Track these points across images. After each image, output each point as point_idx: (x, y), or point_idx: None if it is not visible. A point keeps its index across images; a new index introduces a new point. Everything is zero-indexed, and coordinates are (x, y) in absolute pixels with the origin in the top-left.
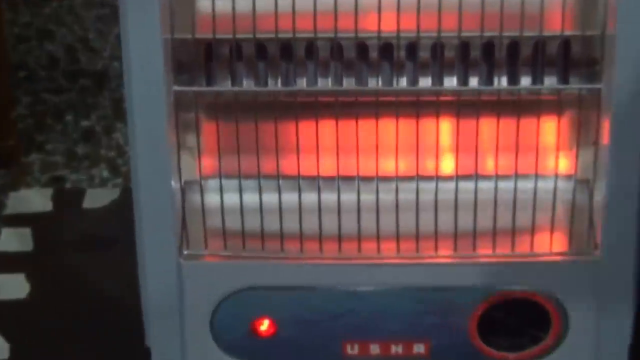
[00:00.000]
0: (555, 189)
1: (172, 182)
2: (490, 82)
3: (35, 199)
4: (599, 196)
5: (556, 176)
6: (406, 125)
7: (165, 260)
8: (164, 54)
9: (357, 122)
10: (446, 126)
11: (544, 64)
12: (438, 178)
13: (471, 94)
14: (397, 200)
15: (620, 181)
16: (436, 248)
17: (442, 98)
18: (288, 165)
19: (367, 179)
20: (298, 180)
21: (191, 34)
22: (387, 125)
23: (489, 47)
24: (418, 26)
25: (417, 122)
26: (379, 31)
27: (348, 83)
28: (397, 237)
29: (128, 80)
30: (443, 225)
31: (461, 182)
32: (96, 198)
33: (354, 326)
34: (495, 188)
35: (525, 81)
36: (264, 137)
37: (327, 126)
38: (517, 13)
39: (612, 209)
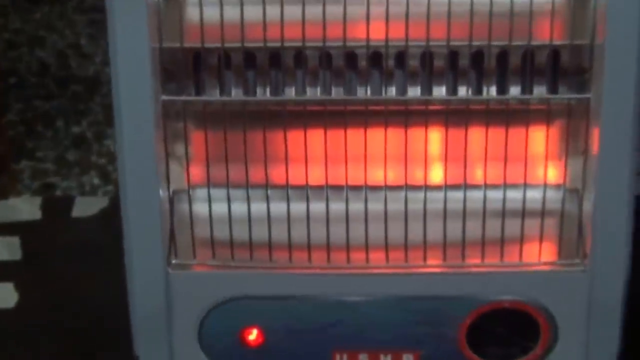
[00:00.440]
0: (544, 198)
1: (161, 192)
2: (479, 91)
3: (24, 208)
4: (588, 206)
5: (545, 185)
6: (395, 134)
7: (153, 270)
8: (152, 63)
9: (345, 131)
10: (435, 135)
11: (533, 74)
12: (427, 187)
13: (460, 103)
14: (386, 209)
15: (610, 191)
16: (425, 258)
17: (431, 107)
18: (277, 174)
19: (356, 188)
20: (287, 190)
21: (179, 43)
22: (376, 135)
23: (478, 56)
24: (407, 35)
25: (406, 131)
26: (368, 40)
27: (337, 92)
28: (386, 247)
29: (116, 89)
30: (432, 235)
31: (450, 191)
32: (85, 207)
33: (343, 336)
34: (484, 197)
35: (515, 90)
36: (252, 146)
37: (315, 135)
38: (506, 22)
39: (602, 219)
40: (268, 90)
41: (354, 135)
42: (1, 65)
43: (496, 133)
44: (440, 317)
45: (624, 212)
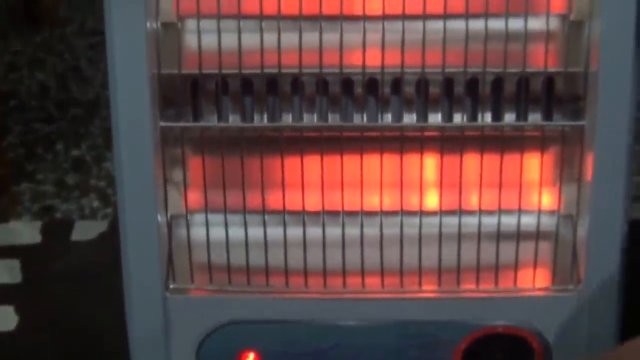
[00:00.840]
0: (538, 224)
1: (159, 216)
2: (474, 118)
3: (25, 231)
4: (582, 231)
5: (539, 211)
6: (391, 160)
7: (151, 294)
8: (151, 89)
9: (342, 157)
10: (430, 161)
11: (527, 100)
12: (422, 213)
13: (455, 129)
14: (381, 234)
15: (604, 217)
16: (420, 283)
17: (427, 133)
18: (274, 199)
19: (352, 214)
20: (283, 215)
21: (178, 70)
22: (372, 160)
23: (473, 83)
24: (402, 62)
25: (402, 157)
26: (364, 67)
27: (333, 118)
28: (382, 272)
29: (115, 115)
30: (427, 260)
31: (445, 217)
32: (84, 230)
33: None
34: (479, 223)
35: (509, 117)
36: (249, 172)
37: (312, 161)
38: (501, 50)
39: (595, 245)
40: (265, 116)
41: (350, 161)
42: (2, 88)
43: (491, 159)
44: (435, 341)
45: (618, 238)
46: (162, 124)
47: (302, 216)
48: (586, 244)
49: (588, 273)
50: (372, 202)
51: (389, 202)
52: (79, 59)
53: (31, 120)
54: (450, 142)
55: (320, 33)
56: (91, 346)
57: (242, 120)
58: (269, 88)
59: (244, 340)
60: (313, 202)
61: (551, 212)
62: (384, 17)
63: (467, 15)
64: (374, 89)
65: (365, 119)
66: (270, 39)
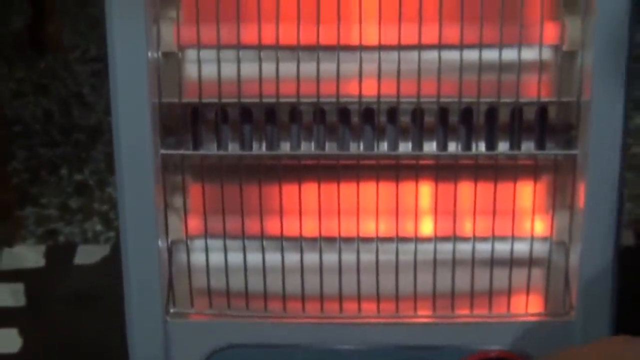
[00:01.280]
0: (531, 250)
1: (159, 242)
2: (468, 146)
3: (29, 255)
4: (575, 258)
5: (532, 238)
6: (386, 188)
7: (152, 318)
8: (152, 118)
9: (338, 184)
10: (425, 189)
11: (521, 130)
12: (417, 239)
13: (450, 158)
14: (377, 260)
15: (595, 244)
16: (415, 308)
17: (422, 162)
18: (272, 226)
19: (348, 240)
20: (281, 241)
21: (178, 98)
22: (368, 188)
23: (467, 112)
24: (398, 92)
25: (397, 185)
26: (361, 96)
27: (330, 147)
28: (378, 297)
29: (117, 143)
30: (422, 286)
31: (440, 243)
32: (87, 254)
33: None
34: (473, 249)
35: (503, 146)
36: (248, 199)
37: (309, 188)
38: (495, 80)
39: (587, 271)
40: (264, 144)
41: (347, 188)
42: (6, 114)
43: (485, 187)
44: None
45: (610, 265)
46: (163, 151)
47: (300, 242)
48: (578, 270)
49: (580, 299)
50: (368, 228)
51: (385, 228)
52: (81, 85)
53: (35, 145)
54: (445, 170)
55: (318, 63)
56: None
57: (241, 148)
58: (267, 117)
59: None
60: (310, 229)
61: (544, 239)
62: (380, 48)
63: (461, 46)
64: (370, 118)
65: (361, 147)
66: (268, 68)
